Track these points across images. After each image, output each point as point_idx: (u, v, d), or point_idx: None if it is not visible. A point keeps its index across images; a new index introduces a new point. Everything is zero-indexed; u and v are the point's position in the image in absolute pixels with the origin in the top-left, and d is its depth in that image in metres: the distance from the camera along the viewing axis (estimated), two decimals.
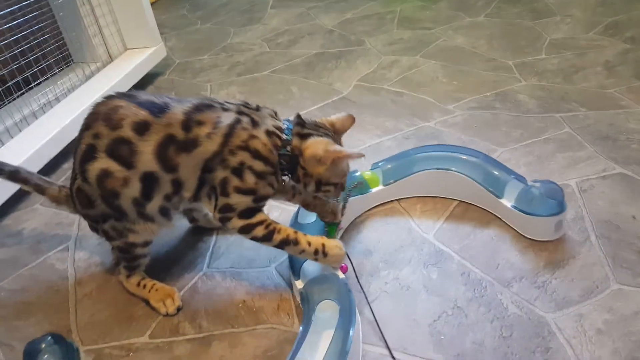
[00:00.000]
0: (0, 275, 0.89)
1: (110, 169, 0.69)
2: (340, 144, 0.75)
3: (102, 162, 0.69)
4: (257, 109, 0.73)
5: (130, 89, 1.38)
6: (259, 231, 0.71)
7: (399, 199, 0.94)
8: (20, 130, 1.18)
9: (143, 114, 0.68)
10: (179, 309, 0.77)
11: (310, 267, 0.75)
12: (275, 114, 0.75)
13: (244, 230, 0.72)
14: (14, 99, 1.25)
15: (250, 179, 0.69)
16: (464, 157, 0.92)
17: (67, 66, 1.49)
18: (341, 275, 0.74)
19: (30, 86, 1.27)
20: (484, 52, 1.52)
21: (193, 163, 0.69)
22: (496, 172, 0.88)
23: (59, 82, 1.36)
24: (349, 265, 0.76)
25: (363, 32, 1.77)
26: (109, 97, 0.72)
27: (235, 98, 1.42)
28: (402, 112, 1.25)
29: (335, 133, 0.75)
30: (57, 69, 1.41)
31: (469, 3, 1.93)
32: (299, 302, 0.75)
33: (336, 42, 1.72)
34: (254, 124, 0.71)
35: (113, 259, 0.82)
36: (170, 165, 0.69)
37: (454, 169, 0.91)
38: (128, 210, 0.72)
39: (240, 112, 0.71)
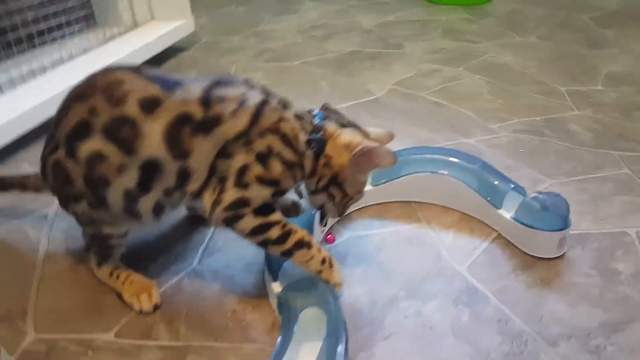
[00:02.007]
0: None
1: (105, 153, 0.57)
2: None
3: (97, 143, 0.57)
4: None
5: (143, 63, 1.28)
6: (275, 232, 0.60)
7: (430, 224, 0.81)
8: (26, 82, 1.09)
9: (153, 89, 0.57)
10: (156, 307, 0.65)
11: (292, 268, 0.63)
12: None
13: (258, 231, 0.60)
14: (26, 49, 1.17)
15: (276, 168, 0.59)
16: (460, 162, 0.82)
17: (89, 26, 1.41)
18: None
19: (44, 39, 1.19)
20: (534, 74, 1.40)
21: (210, 146, 0.58)
22: (495, 181, 0.79)
23: (75, 40, 1.28)
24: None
25: (403, 37, 1.66)
26: (109, 69, 0.61)
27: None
28: (440, 124, 1.13)
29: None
30: (78, 27, 1.33)
31: (519, 22, 1.81)
32: (274, 308, 0.64)
33: (374, 42, 1.61)
34: (284, 105, 0.63)
35: (83, 243, 0.70)
36: (181, 150, 0.58)
37: (448, 173, 0.81)
38: (113, 202, 0.60)
39: (267, 92, 0.63)
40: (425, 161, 0.85)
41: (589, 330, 0.64)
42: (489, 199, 0.79)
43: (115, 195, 0.60)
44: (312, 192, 0.67)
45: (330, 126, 0.64)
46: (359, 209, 0.86)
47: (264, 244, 0.62)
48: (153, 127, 0.57)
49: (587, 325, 0.64)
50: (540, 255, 0.74)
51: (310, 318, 0.58)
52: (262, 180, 0.60)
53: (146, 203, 0.61)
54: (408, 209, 0.86)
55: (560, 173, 0.97)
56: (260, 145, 0.59)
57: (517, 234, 0.76)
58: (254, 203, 0.60)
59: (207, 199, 0.61)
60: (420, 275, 0.72)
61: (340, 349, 0.53)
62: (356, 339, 0.62)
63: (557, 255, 0.75)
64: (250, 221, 0.60)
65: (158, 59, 1.38)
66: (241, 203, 0.60)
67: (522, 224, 0.74)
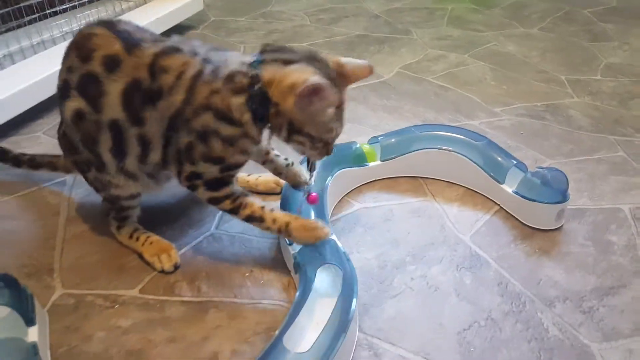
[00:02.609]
0: None
1: (82, 110, 0.60)
2: (341, 92, 0.59)
3: (75, 101, 0.60)
4: (229, 50, 0.61)
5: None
6: (226, 205, 0.64)
7: (436, 198, 0.85)
8: (36, 53, 1.09)
9: (116, 47, 0.58)
10: (176, 267, 0.68)
11: None
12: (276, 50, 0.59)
13: (212, 202, 0.64)
14: (34, 20, 1.17)
15: (216, 146, 0.59)
16: (466, 139, 0.86)
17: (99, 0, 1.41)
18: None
19: (54, 9, 1.19)
20: (536, 63, 1.43)
21: (157, 118, 0.59)
22: (499, 158, 0.83)
23: (86, 13, 1.28)
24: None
25: (410, 23, 1.68)
26: (90, 25, 0.62)
27: None
28: (445, 106, 1.17)
29: (340, 77, 0.59)
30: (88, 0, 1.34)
31: (523, 14, 1.84)
32: (290, 269, 0.67)
33: (381, 27, 1.63)
34: (215, 72, 0.58)
35: (104, 209, 0.73)
36: (136, 116, 0.59)
37: (455, 150, 0.85)
38: (108, 161, 0.62)
39: (205, 60, 0.59)
40: (433, 138, 0.88)
41: (583, 294, 0.68)
42: (492, 174, 0.83)
43: (105, 155, 0.62)
44: (284, 142, 0.63)
45: (269, 70, 0.56)
46: (369, 182, 0.89)
47: (224, 211, 0.65)
48: (113, 87, 0.59)
49: (581, 289, 0.69)
50: (540, 227, 0.79)
51: (325, 276, 0.61)
52: (206, 159, 0.60)
53: (131, 166, 0.63)
54: (415, 184, 0.90)
55: (560, 154, 1.01)
56: (196, 124, 0.58)
57: (518, 207, 0.80)
58: (205, 177, 0.62)
59: (173, 168, 0.63)
60: (426, 243, 0.76)
61: (354, 303, 0.57)
62: (367, 296, 0.66)
63: (555, 227, 0.79)
64: (203, 193, 0.63)
65: (167, 35, 1.38)
66: (194, 176, 0.62)
67: (523, 197, 0.78)
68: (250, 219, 0.65)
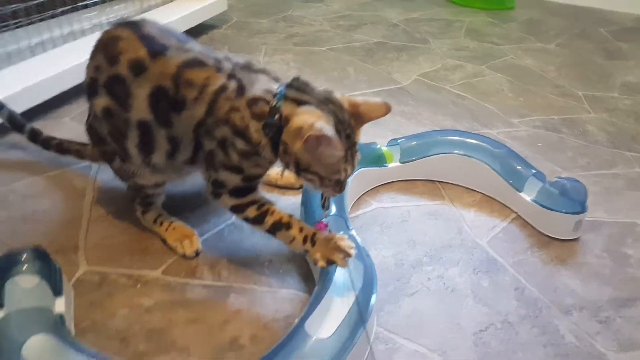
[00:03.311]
0: (13, 177, 0.83)
1: (111, 108, 0.62)
2: (354, 133, 0.59)
3: (104, 100, 0.62)
4: (258, 71, 0.61)
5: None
6: (251, 212, 0.63)
7: (453, 202, 0.86)
8: (66, 42, 1.13)
9: (141, 53, 0.60)
10: (197, 253, 0.69)
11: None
12: (297, 81, 0.59)
13: (236, 210, 0.64)
14: (66, 11, 1.21)
15: (234, 157, 0.60)
16: (486, 146, 0.87)
17: None
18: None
19: (85, 2, 1.23)
20: (553, 78, 1.44)
21: (184, 125, 0.61)
22: (518, 166, 0.84)
23: (115, 7, 1.32)
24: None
25: (428, 33, 1.71)
26: (115, 25, 0.64)
27: (289, 65, 1.37)
28: (463, 114, 1.18)
29: (353, 117, 0.59)
30: None
31: (540, 29, 1.86)
32: (309, 260, 0.67)
33: (399, 35, 1.66)
34: (240, 91, 0.59)
35: (127, 194, 0.75)
36: (164, 119, 0.61)
37: (474, 156, 0.86)
38: (134, 155, 0.64)
39: (230, 76, 0.60)
40: (453, 143, 0.89)
41: (600, 304, 0.69)
42: (511, 182, 0.84)
43: (132, 149, 0.64)
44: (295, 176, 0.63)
45: (287, 108, 0.57)
46: (386, 183, 0.91)
47: (247, 222, 0.64)
48: (140, 92, 0.61)
49: (598, 299, 0.70)
50: (557, 236, 0.79)
51: (345, 270, 0.61)
52: (225, 167, 0.61)
53: (157, 160, 0.64)
54: (432, 187, 0.91)
55: (576, 167, 1.01)
56: (217, 134, 0.60)
57: (536, 215, 0.81)
58: (227, 185, 0.62)
59: (202, 173, 0.65)
60: (443, 245, 0.76)
61: (374, 299, 0.58)
62: (384, 292, 0.67)
63: (573, 238, 0.80)
64: (227, 200, 0.63)
65: (191, 33, 1.41)
66: (218, 183, 0.63)
67: (542, 206, 0.79)
68: (276, 226, 0.63)
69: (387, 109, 0.60)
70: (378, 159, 0.87)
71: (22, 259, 0.55)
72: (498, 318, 0.65)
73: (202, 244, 0.71)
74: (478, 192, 0.90)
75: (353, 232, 0.67)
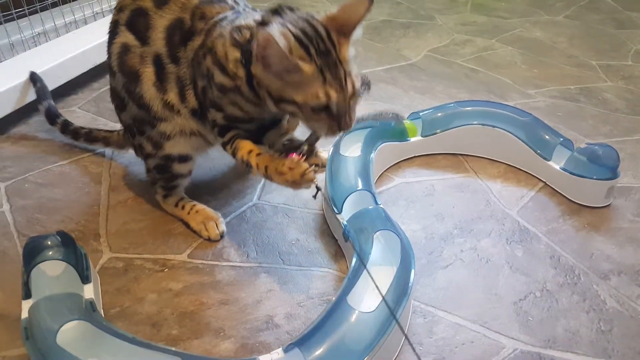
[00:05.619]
0: (27, 167, 0.80)
1: (128, 43, 0.62)
2: (335, 50, 0.51)
3: (122, 37, 0.62)
4: (277, 12, 0.53)
5: None
6: (228, 149, 0.60)
7: (478, 174, 0.83)
8: (78, 27, 1.10)
9: None
10: (222, 236, 0.67)
11: (352, 202, 0.65)
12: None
13: (225, 149, 0.62)
14: (61, 2, 1.17)
15: (215, 92, 0.57)
16: (511, 114, 0.84)
17: None
18: None
19: None
20: (565, 49, 1.41)
21: (187, 58, 0.60)
22: (545, 135, 0.81)
23: None
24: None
25: (433, 9, 1.67)
26: None
27: None
28: (478, 87, 1.15)
29: (336, 30, 0.52)
30: None
31: (546, 2, 1.82)
32: (337, 238, 0.66)
33: (404, 13, 1.62)
34: (232, 20, 0.56)
35: (148, 177, 0.72)
36: (174, 54, 0.60)
37: (499, 126, 0.83)
38: (151, 99, 0.62)
39: (237, 12, 0.59)
40: (476, 114, 0.86)
41: (638, 267, 0.67)
42: (538, 151, 0.81)
43: (148, 92, 0.61)
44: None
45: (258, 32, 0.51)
46: (407, 159, 0.88)
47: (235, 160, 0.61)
48: (160, 22, 0.61)
49: (635, 262, 0.68)
50: (589, 204, 0.77)
51: (379, 244, 0.60)
52: (211, 103, 0.59)
53: (173, 98, 0.61)
54: (455, 160, 0.88)
55: (599, 134, 0.99)
56: (203, 66, 0.58)
57: (566, 184, 0.79)
58: (217, 124, 0.61)
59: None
60: (472, 217, 0.74)
61: (413, 273, 0.55)
62: (417, 266, 0.65)
63: (604, 205, 0.78)
64: (218, 140, 0.63)
65: None
66: (213, 121, 0.62)
67: (573, 174, 0.77)
68: (243, 163, 0.58)
69: (368, 4, 0.53)
70: (401, 134, 0.85)
71: (49, 243, 0.52)
72: (537, 286, 0.63)
73: (225, 227, 0.69)
74: (502, 162, 0.87)
75: (382, 207, 0.65)
